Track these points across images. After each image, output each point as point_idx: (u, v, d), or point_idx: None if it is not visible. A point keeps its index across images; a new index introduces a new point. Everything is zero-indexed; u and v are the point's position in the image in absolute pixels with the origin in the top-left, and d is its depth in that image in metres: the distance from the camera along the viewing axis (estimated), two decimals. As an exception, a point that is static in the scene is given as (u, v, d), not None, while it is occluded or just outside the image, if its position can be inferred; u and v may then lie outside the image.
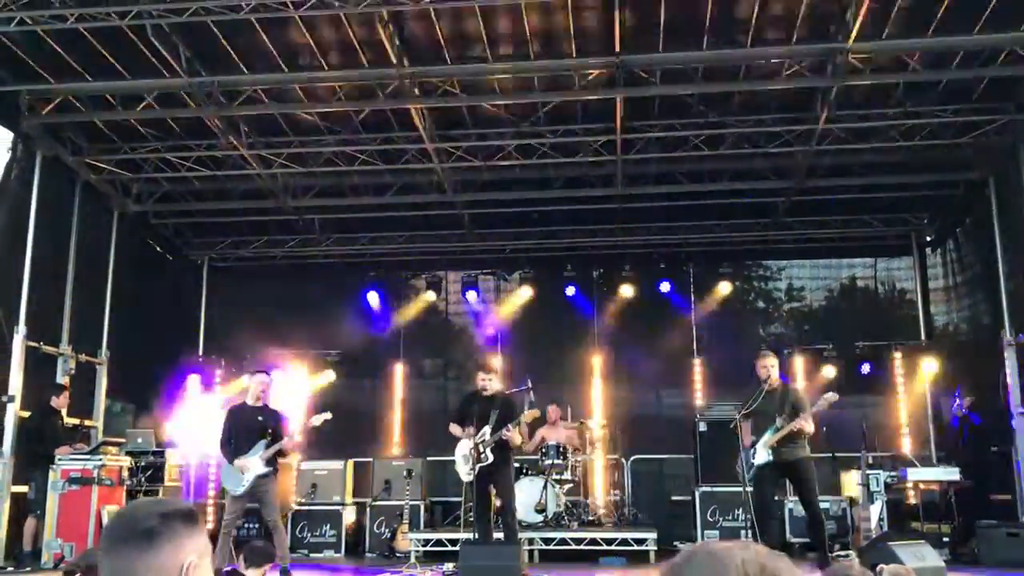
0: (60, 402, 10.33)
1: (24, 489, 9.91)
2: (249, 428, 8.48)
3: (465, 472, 8.72)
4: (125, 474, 10.28)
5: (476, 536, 8.77)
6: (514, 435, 8.71)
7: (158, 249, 14.13)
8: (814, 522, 8.04)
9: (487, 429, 8.60)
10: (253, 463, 8.36)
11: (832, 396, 7.92)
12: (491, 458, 8.56)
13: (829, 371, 13.06)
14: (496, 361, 12.84)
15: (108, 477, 9.75)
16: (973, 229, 12.47)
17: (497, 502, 8.95)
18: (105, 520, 9.44)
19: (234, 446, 8.45)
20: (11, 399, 9.92)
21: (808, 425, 7.99)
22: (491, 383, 8.88)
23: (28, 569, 9.18)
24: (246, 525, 10.91)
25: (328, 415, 8.84)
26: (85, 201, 11.77)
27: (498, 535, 8.85)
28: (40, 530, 9.52)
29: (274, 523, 8.45)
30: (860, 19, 8.39)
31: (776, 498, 8.38)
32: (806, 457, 8.09)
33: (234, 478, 8.42)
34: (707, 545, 1.48)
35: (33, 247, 10.37)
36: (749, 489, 8.08)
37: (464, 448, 8.72)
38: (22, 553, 9.62)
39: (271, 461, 8.47)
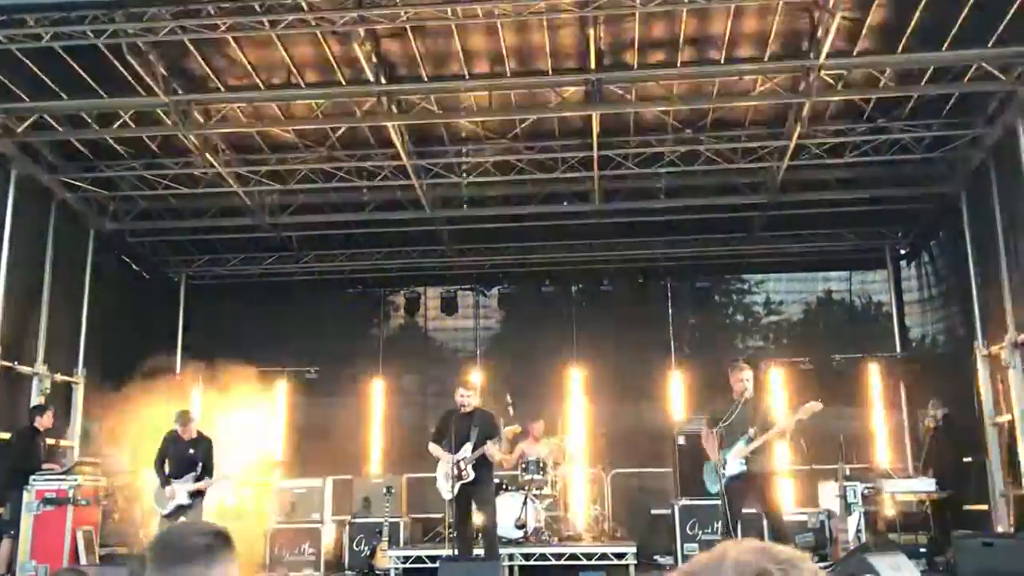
0: (44, 422, 10.17)
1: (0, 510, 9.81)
2: (180, 458, 9.53)
3: (446, 490, 8.70)
4: (101, 494, 10.21)
5: (456, 552, 8.75)
6: (495, 451, 8.71)
7: (135, 267, 14.06)
8: (777, 537, 7.99)
9: (468, 446, 8.61)
10: (180, 492, 9.38)
11: (816, 405, 7.82)
12: (472, 475, 8.56)
13: (806, 383, 13.11)
14: (475, 377, 12.83)
15: (84, 497, 9.65)
16: (946, 242, 12.62)
17: (478, 519, 8.93)
18: (80, 541, 9.37)
19: (167, 472, 9.51)
20: (-16, 419, 9.83)
21: (783, 435, 8.05)
22: (470, 399, 8.89)
23: (2, 592, 9.07)
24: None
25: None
26: (60, 220, 11.68)
27: (478, 551, 8.84)
28: (15, 552, 9.42)
29: None
30: (832, 36, 8.50)
31: (753, 510, 8.38)
32: (773, 472, 8.13)
33: (161, 501, 9.48)
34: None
35: (8, 266, 10.29)
36: (717, 492, 8.08)
37: (445, 466, 8.70)
38: (-4, 576, 9.53)
39: (194, 493, 9.41)
